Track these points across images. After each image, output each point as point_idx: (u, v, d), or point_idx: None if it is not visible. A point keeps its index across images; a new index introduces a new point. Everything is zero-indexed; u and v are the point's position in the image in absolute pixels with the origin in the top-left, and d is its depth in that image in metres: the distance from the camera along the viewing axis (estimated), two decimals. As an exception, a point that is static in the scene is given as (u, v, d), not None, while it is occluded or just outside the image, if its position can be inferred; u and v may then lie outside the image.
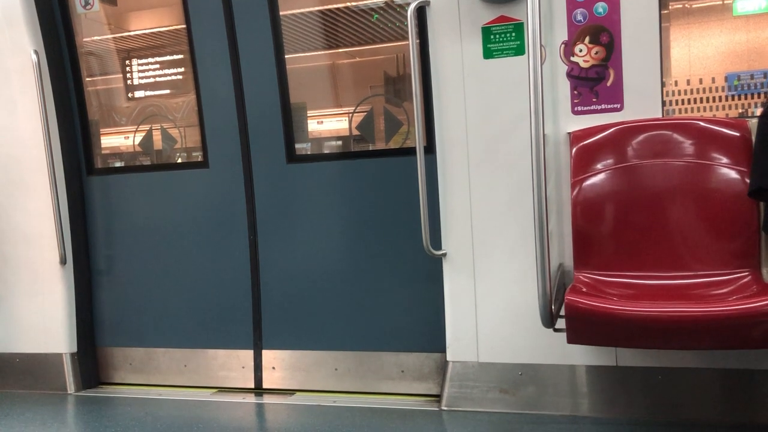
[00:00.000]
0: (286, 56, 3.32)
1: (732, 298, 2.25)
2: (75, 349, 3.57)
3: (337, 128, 3.65)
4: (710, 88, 2.86)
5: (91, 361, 3.66)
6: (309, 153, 3.54)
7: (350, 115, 3.43)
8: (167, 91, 3.74)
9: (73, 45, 3.60)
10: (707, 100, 2.88)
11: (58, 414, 3.27)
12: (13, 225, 3.56)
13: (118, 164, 3.86)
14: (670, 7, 2.97)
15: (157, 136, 3.72)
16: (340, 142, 3.59)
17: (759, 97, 2.84)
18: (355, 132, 3.41)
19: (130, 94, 3.80)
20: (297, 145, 3.42)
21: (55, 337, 3.54)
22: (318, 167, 3.36)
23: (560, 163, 2.72)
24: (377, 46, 3.57)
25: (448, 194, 2.89)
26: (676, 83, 2.87)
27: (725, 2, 3.06)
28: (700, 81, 2.88)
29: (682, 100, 2.89)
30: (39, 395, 3.51)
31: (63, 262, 3.49)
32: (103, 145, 3.81)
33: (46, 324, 3.55)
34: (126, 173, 3.70)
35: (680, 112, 2.88)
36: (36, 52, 3.38)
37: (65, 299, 3.54)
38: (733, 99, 2.84)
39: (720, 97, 2.86)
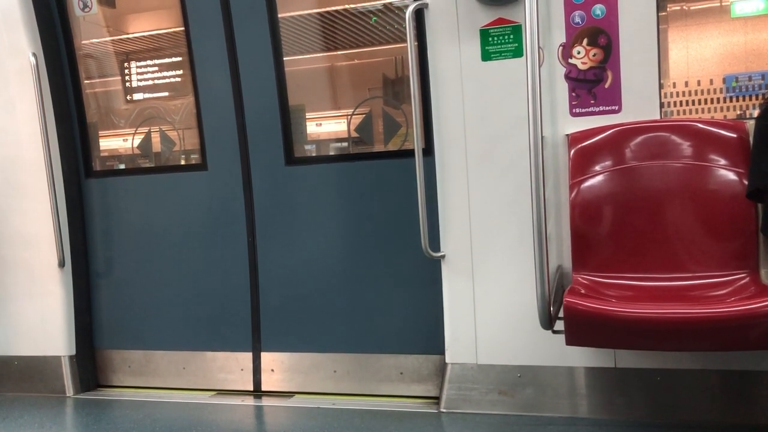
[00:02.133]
0: (285, 58, 3.32)
1: (730, 300, 2.25)
2: (73, 352, 3.57)
3: (336, 130, 3.65)
4: (708, 90, 2.86)
5: (90, 364, 3.66)
6: (308, 155, 3.54)
7: (349, 117, 3.43)
8: (166, 94, 3.74)
9: (71, 48, 3.60)
10: (705, 102, 2.88)
11: (56, 417, 3.26)
12: (12, 227, 3.55)
13: (115, 167, 3.86)
14: (668, 9, 2.98)
15: (155, 138, 3.72)
16: (338, 144, 3.59)
17: (757, 98, 2.84)
18: (354, 134, 3.41)
19: (128, 97, 3.80)
20: (306, 146, 3.43)
21: (54, 339, 3.54)
22: (316, 169, 3.36)
23: (559, 165, 2.72)
24: (376, 48, 3.58)
25: (447, 196, 2.89)
26: (674, 85, 2.87)
27: (723, 4, 3.06)
28: (699, 83, 2.88)
29: (681, 102, 2.89)
30: (37, 398, 3.51)
31: (61, 264, 3.49)
32: (101, 148, 3.81)
33: (45, 327, 3.55)
34: (124, 176, 3.70)
35: (679, 113, 2.88)
36: (34, 55, 3.38)
37: (64, 302, 3.53)
38: (732, 101, 2.85)
39: (718, 99, 2.86)
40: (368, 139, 3.40)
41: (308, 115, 3.54)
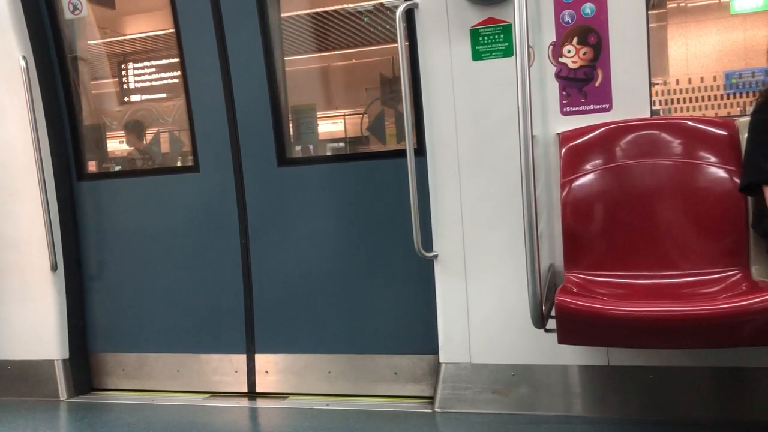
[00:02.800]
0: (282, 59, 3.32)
1: (722, 297, 2.25)
2: (67, 356, 3.55)
3: (332, 131, 3.66)
4: (709, 87, 2.86)
5: (84, 367, 3.64)
6: (300, 156, 3.54)
7: (361, 117, 3.43)
8: (159, 96, 3.74)
9: (62, 50, 3.58)
10: (706, 99, 2.89)
11: (50, 421, 3.26)
12: (3, 231, 3.54)
13: (111, 169, 3.85)
14: (666, 5, 2.98)
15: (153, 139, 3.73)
16: (335, 144, 3.59)
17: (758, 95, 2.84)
18: (351, 135, 3.42)
19: (125, 98, 3.80)
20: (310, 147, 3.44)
21: (47, 343, 3.53)
22: (309, 170, 3.35)
23: (550, 164, 2.72)
24: (371, 48, 3.58)
25: (439, 196, 2.89)
26: (677, 82, 2.87)
27: (722, 1, 3.07)
28: (702, 79, 2.89)
29: (681, 99, 2.90)
30: (31, 402, 3.50)
31: (54, 267, 3.47)
32: (90, 150, 3.80)
33: (38, 330, 3.53)
34: (116, 178, 3.69)
35: (679, 110, 2.88)
36: (24, 58, 3.37)
37: (56, 305, 3.52)
38: (734, 97, 2.85)
39: (719, 96, 2.86)
40: (381, 138, 3.40)
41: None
